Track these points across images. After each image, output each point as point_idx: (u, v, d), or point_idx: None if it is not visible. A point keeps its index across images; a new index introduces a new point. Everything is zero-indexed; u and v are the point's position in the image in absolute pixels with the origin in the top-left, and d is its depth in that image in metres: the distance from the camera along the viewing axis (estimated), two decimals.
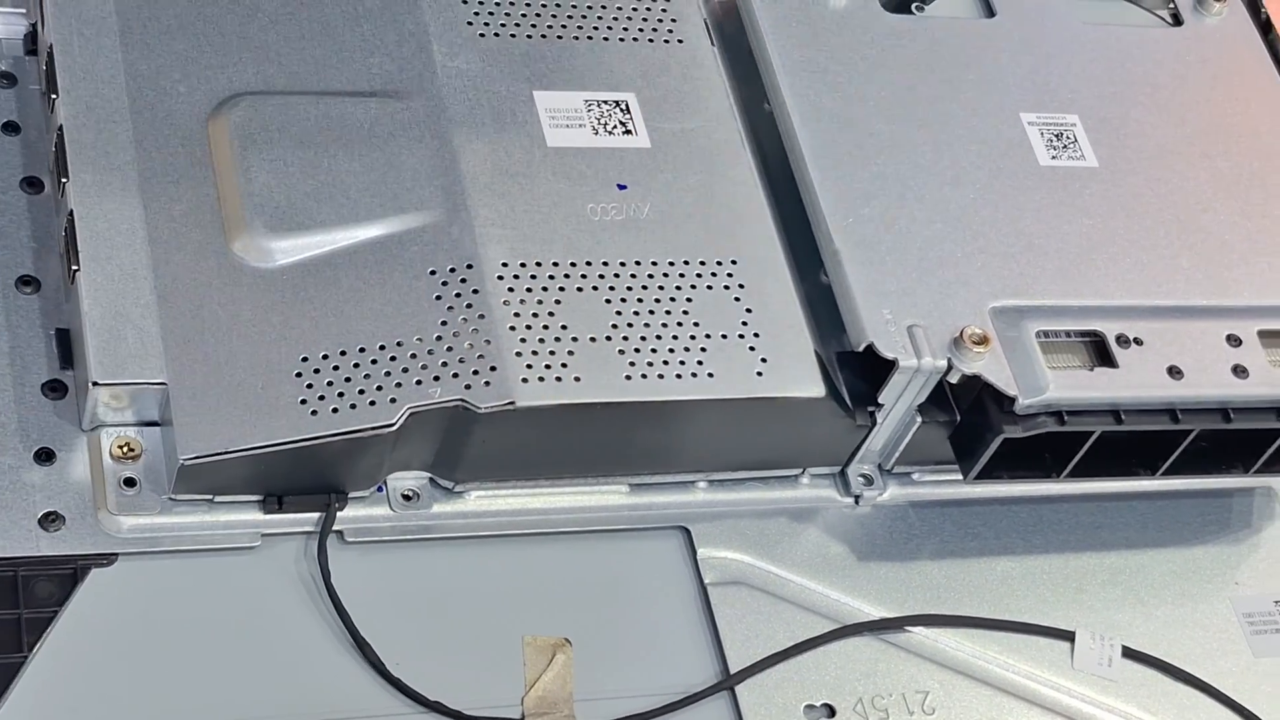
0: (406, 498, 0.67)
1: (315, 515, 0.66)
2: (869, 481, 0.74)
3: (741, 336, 0.69)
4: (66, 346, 0.67)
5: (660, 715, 0.66)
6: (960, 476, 0.72)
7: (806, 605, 0.70)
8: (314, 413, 0.64)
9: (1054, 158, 0.76)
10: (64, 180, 0.67)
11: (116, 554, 0.64)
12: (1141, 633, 0.74)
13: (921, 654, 0.71)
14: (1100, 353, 0.71)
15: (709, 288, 0.70)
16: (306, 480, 0.65)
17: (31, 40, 0.74)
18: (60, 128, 0.68)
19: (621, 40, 0.75)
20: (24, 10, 0.74)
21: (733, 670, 0.67)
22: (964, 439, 0.71)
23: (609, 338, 0.67)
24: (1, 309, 0.67)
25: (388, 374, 0.65)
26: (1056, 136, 0.77)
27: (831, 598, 0.71)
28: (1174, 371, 0.71)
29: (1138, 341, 0.72)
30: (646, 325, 0.68)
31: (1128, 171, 0.77)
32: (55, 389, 0.66)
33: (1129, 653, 0.73)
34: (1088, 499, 0.76)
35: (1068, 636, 0.72)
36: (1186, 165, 0.78)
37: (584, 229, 0.70)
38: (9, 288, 0.68)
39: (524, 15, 0.75)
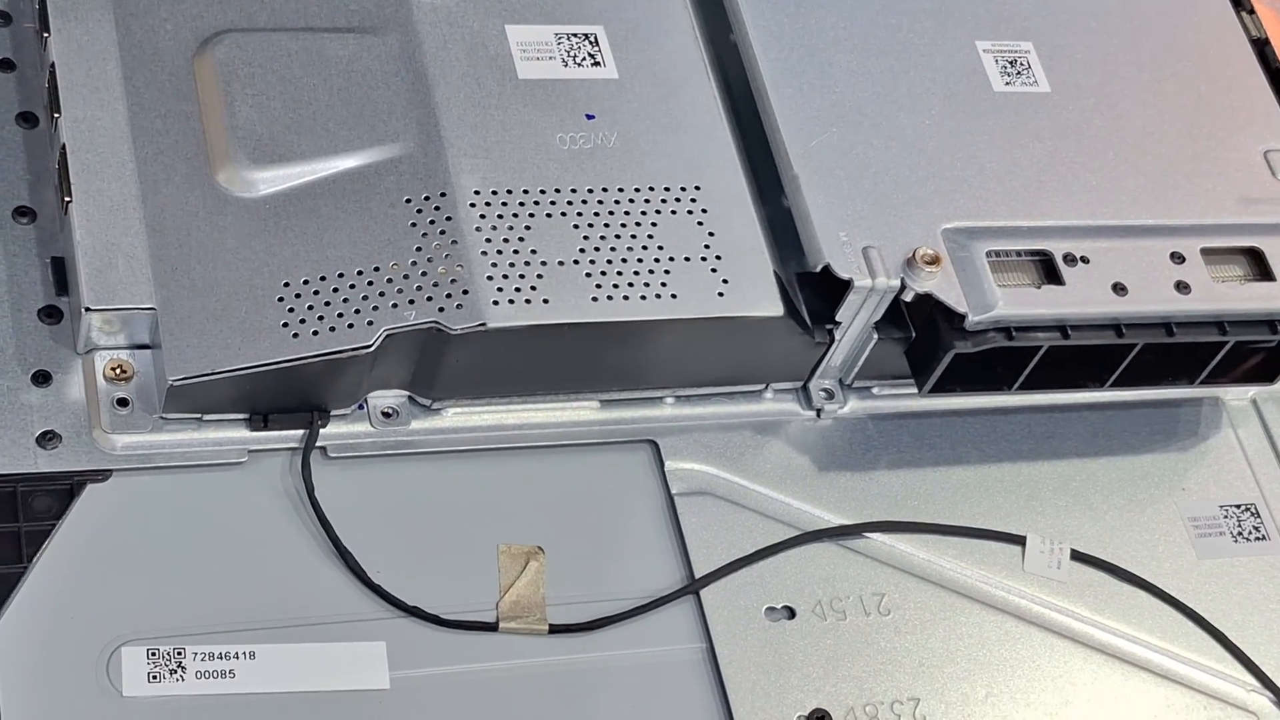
0: (386, 415, 0.71)
1: (299, 432, 0.69)
2: (830, 395, 0.77)
3: (704, 259, 0.72)
4: (61, 274, 0.70)
5: (628, 618, 0.69)
6: (916, 390, 0.75)
7: (769, 514, 0.73)
8: (295, 335, 0.67)
9: (1008, 84, 0.79)
10: (56, 115, 0.70)
11: (111, 470, 0.67)
12: (1090, 536, 0.77)
13: (879, 559, 0.74)
14: (1048, 271, 0.74)
15: (673, 213, 0.73)
16: (290, 399, 0.69)
17: None
18: (53, 65, 0.71)
19: None
20: None
21: (698, 575, 0.71)
22: (918, 355, 0.74)
23: (576, 261, 0.70)
24: None
25: (365, 298, 0.68)
26: (1011, 63, 0.79)
27: (793, 506, 0.74)
28: (1119, 288, 0.74)
29: (1084, 260, 0.74)
30: (613, 249, 0.71)
31: (1079, 96, 0.79)
32: (51, 314, 0.69)
33: (1078, 555, 0.76)
34: (1039, 410, 0.79)
35: (1019, 541, 0.75)
36: (1136, 89, 0.80)
37: (553, 158, 0.72)
38: (6, 218, 0.71)
39: None
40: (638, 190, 0.73)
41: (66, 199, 0.68)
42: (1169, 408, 0.81)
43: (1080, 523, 0.77)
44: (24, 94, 0.74)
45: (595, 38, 0.76)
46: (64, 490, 0.66)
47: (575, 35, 0.76)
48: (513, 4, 0.76)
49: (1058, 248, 0.74)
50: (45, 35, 0.72)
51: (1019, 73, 0.79)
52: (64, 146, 0.69)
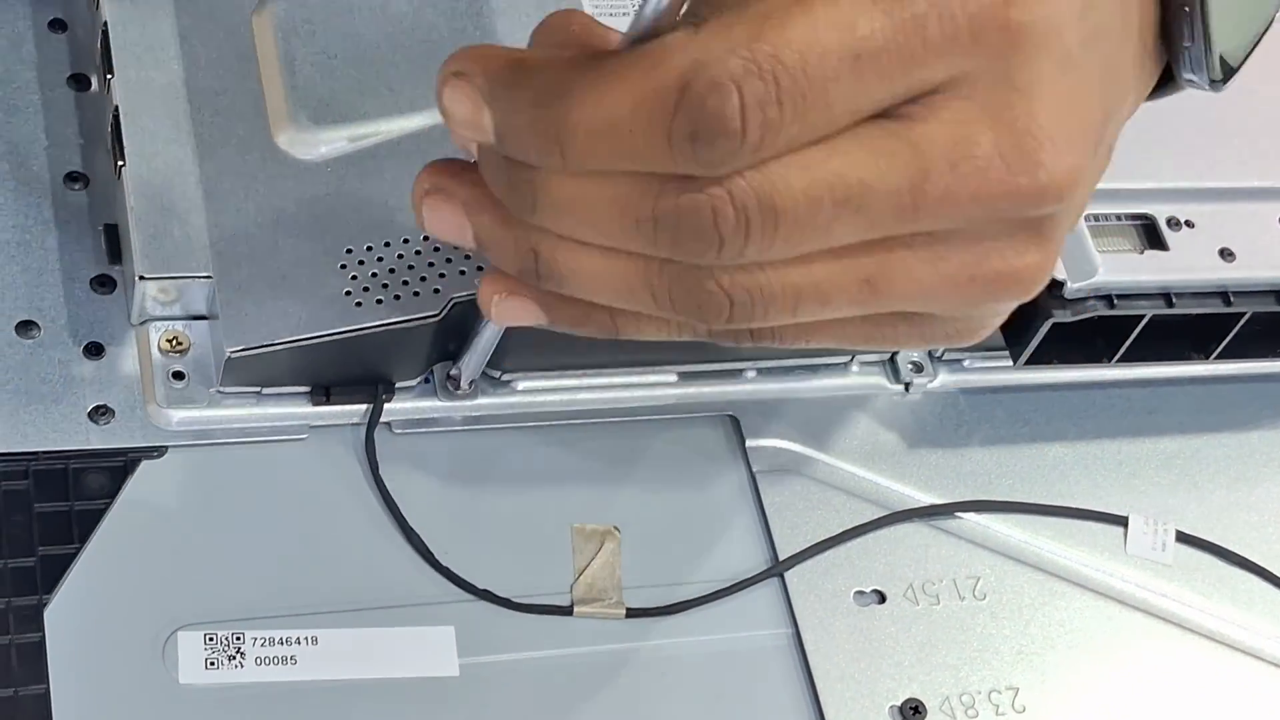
0: (454, 387, 0.67)
1: (363, 407, 0.66)
2: (919, 369, 0.73)
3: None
4: (115, 242, 0.67)
5: (708, 601, 0.66)
6: (1010, 362, 0.71)
7: (856, 492, 0.70)
8: (359, 304, 0.64)
9: None
10: (109, 77, 0.67)
11: (166, 446, 0.64)
12: (1195, 517, 0.73)
13: (973, 540, 0.70)
14: (1151, 235, 0.71)
15: None
16: (353, 371, 0.66)
17: None
18: (105, 24, 0.68)
19: None
20: None
21: (782, 557, 0.68)
22: (1013, 324, 0.70)
23: None
24: (50, 205, 0.68)
25: (431, 265, 0.65)
26: None
27: (881, 485, 0.71)
28: (1226, 254, 0.70)
29: (1189, 224, 0.71)
30: None
31: None
32: (104, 284, 0.67)
33: (1183, 537, 0.72)
34: (1140, 384, 0.76)
35: (1121, 522, 0.72)
36: None
37: None
38: (58, 184, 0.68)
39: None
40: None
41: (119, 163, 0.66)
42: (1276, 381, 0.78)
43: (1185, 502, 0.74)
44: (76, 55, 0.72)
45: None
46: (117, 468, 0.63)
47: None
48: None
49: (1161, 211, 0.71)
50: None
51: None
52: (116, 109, 0.67)
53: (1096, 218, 0.70)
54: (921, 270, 0.49)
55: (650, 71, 0.45)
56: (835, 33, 0.45)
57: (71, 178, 0.69)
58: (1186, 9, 0.52)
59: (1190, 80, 0.54)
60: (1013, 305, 0.52)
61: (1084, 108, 0.49)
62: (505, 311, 0.53)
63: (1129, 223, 0.71)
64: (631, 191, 0.47)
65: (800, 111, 0.45)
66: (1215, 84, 0.54)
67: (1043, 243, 0.50)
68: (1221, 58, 0.53)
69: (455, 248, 0.64)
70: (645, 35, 0.46)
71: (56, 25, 0.72)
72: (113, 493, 0.63)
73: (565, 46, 0.49)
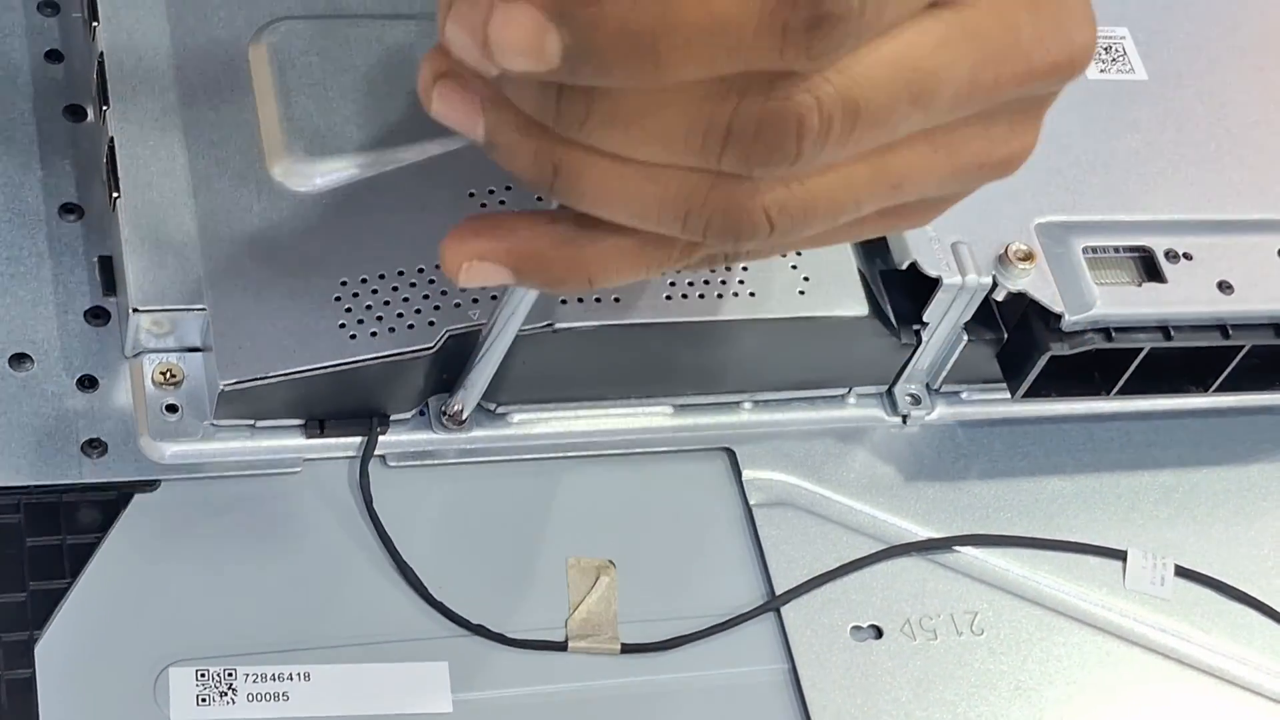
0: (449, 420, 0.67)
1: (358, 439, 0.66)
2: (916, 401, 0.73)
3: (784, 255, 0.68)
4: (109, 273, 0.67)
5: (704, 637, 0.65)
6: (1009, 395, 0.71)
7: (853, 526, 0.70)
8: (353, 336, 0.63)
9: (1102, 71, 0.75)
10: (105, 108, 0.67)
11: (159, 480, 0.64)
12: (1196, 551, 0.73)
13: (970, 574, 0.70)
14: (1149, 268, 0.70)
15: None
16: (348, 404, 0.65)
17: None
18: (101, 55, 0.68)
19: None
20: None
21: (778, 591, 0.67)
22: (1011, 357, 0.70)
23: None
24: (45, 237, 0.67)
25: (426, 297, 0.64)
26: (1105, 50, 0.76)
27: (879, 518, 0.70)
28: (1224, 286, 0.70)
29: (1187, 256, 0.71)
30: None
31: (1178, 85, 0.75)
32: (98, 315, 0.66)
33: (1182, 571, 0.72)
34: (1139, 417, 0.75)
35: (1119, 556, 0.72)
36: (1238, 77, 0.76)
37: None
38: (53, 215, 0.68)
39: None
40: None
41: (114, 195, 0.65)
42: (1275, 414, 0.77)
43: (1185, 536, 0.73)
44: (72, 86, 0.71)
45: None
46: (110, 501, 0.63)
47: None
48: None
49: (1159, 243, 0.71)
50: (94, 24, 0.69)
51: (1114, 60, 0.76)
52: (112, 139, 0.66)
53: (1094, 250, 0.70)
54: (941, 163, 0.49)
55: None
56: None
57: (67, 209, 0.68)
58: None
59: None
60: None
61: None
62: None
63: (1127, 255, 0.71)
64: (706, 99, 0.44)
65: None
66: None
67: (1037, 123, 0.51)
68: None
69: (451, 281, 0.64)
70: None
71: (53, 56, 0.72)
72: (105, 527, 0.62)
73: None
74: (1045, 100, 0.51)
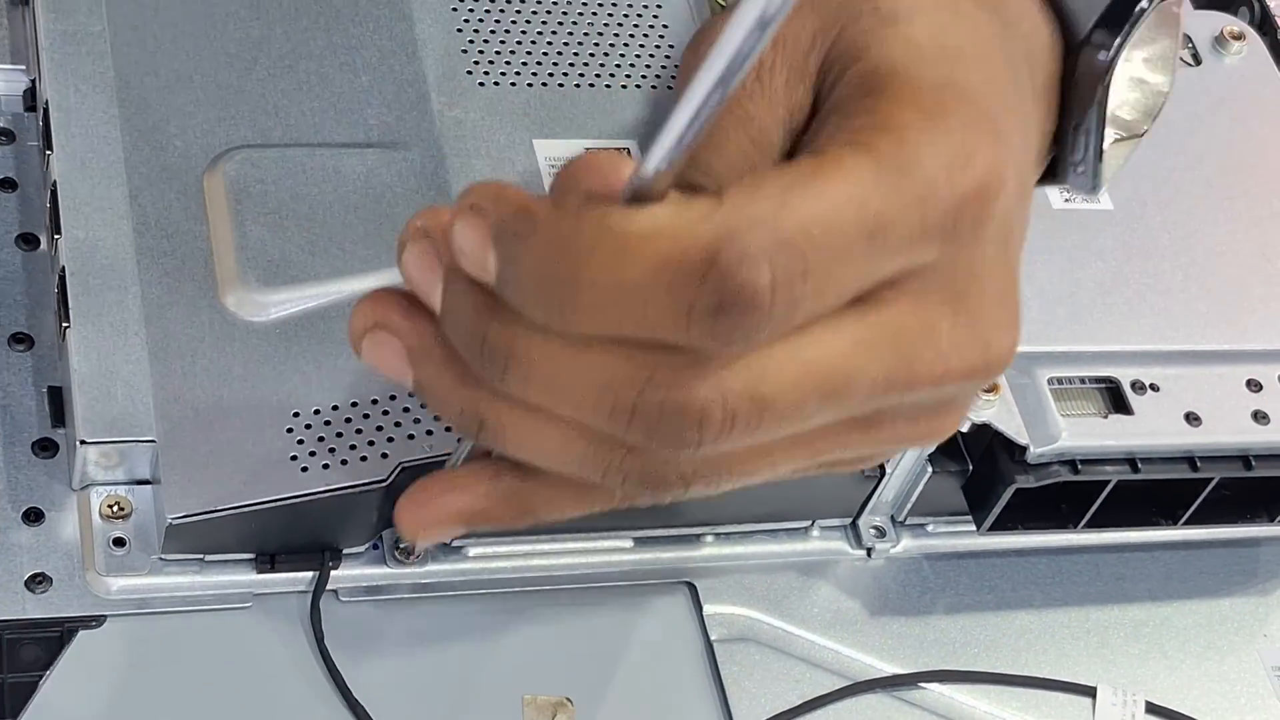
0: (402, 554, 0.66)
1: (309, 574, 0.65)
2: (881, 533, 0.72)
3: None
4: (58, 404, 0.66)
5: None
6: (975, 528, 0.70)
7: (816, 662, 0.69)
8: (305, 469, 0.62)
9: (1067, 201, 0.74)
10: (57, 237, 0.66)
11: (105, 615, 0.62)
12: (1166, 687, 0.71)
13: (936, 711, 0.69)
14: (1115, 399, 0.70)
15: None
16: (299, 538, 0.64)
17: (31, 96, 0.73)
18: (54, 184, 0.67)
19: (624, 87, 0.74)
20: (23, 67, 0.74)
21: None
22: (977, 489, 0.69)
23: None
24: None
25: (379, 429, 0.63)
26: None
27: (843, 654, 0.69)
28: (1192, 418, 0.69)
29: (1154, 388, 0.70)
30: None
31: (1143, 214, 0.75)
32: (46, 447, 0.65)
33: (1153, 708, 0.70)
34: (1108, 549, 0.74)
35: (1089, 692, 0.70)
36: (1204, 207, 0.76)
37: None
38: (2, 345, 0.67)
39: (524, 64, 0.74)
40: None
41: (64, 324, 0.64)
42: (1248, 547, 0.76)
43: (1155, 672, 0.72)
44: (25, 214, 0.71)
45: (629, 152, 0.72)
46: (53, 638, 0.61)
47: (607, 150, 0.72)
48: (540, 117, 0.72)
49: (1125, 374, 0.70)
50: (48, 153, 0.68)
51: None
52: (63, 269, 0.65)
53: (1060, 380, 0.69)
54: (861, 441, 0.50)
55: (675, 239, 0.43)
56: (853, 209, 0.44)
57: (16, 339, 0.67)
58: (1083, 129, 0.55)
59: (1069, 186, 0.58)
60: None
61: (1014, 279, 0.50)
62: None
63: (1093, 386, 0.70)
64: (618, 369, 0.45)
65: (820, 289, 0.44)
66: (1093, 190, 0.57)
67: (963, 408, 0.52)
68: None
69: (404, 410, 0.64)
70: (639, 196, 0.44)
71: (6, 184, 0.71)
72: (48, 664, 0.61)
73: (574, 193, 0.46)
74: (967, 394, 0.51)
